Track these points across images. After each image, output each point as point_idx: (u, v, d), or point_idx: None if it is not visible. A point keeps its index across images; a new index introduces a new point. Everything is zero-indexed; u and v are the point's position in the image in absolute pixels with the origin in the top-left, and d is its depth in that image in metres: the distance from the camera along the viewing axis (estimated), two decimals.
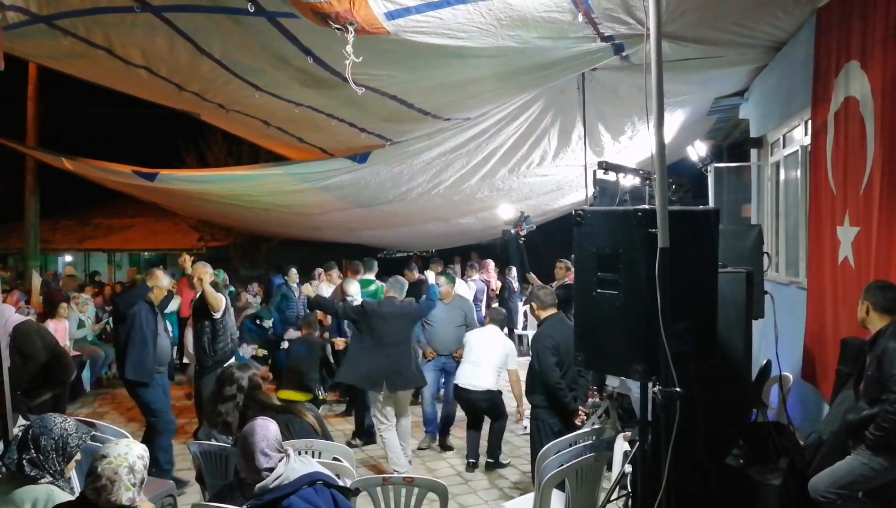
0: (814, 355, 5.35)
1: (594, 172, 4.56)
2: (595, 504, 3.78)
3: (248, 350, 7.99)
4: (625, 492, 3.73)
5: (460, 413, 6.97)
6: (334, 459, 3.71)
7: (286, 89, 6.15)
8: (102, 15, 4.92)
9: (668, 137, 7.77)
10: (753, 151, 8.04)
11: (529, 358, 5.39)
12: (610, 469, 4.08)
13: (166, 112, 8.30)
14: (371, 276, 7.93)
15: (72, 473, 2.98)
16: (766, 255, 5.07)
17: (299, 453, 3.16)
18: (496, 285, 11.88)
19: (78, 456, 2.88)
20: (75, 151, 9.12)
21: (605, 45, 5.05)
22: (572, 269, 8.28)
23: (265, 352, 9.10)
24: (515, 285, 11.16)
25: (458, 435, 6.80)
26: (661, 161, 2.80)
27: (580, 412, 4.94)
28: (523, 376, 5.52)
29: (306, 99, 6.36)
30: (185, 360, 6.50)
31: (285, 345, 8.44)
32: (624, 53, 5.31)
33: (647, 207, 2.93)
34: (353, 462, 3.86)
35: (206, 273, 6.09)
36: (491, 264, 12.23)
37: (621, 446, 3.96)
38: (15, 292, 9.70)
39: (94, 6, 4.78)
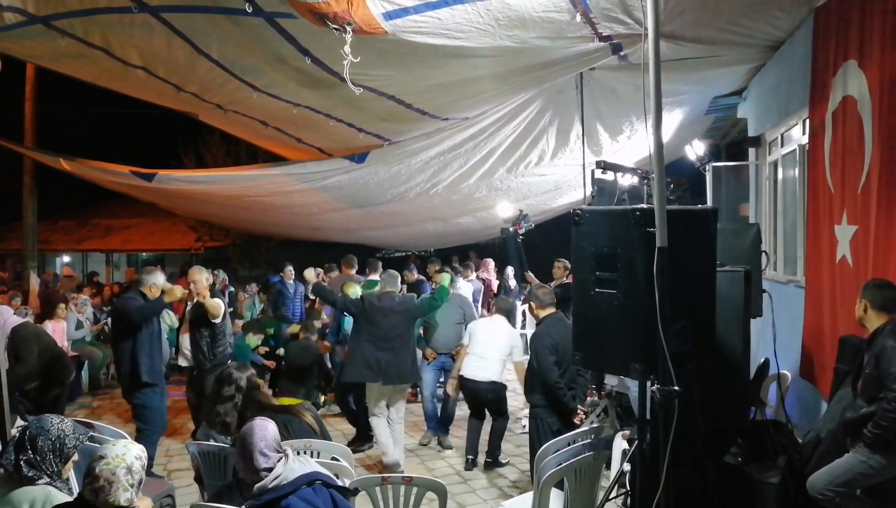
0: (812, 353, 5.36)
1: (592, 172, 4.56)
2: (594, 503, 3.78)
3: (253, 341, 7.98)
4: (623, 491, 3.74)
5: (460, 413, 7.00)
6: (333, 459, 3.71)
7: (284, 90, 6.15)
8: (100, 15, 4.92)
9: (667, 136, 7.77)
10: (751, 151, 8.05)
11: (528, 357, 5.39)
12: (609, 467, 4.09)
13: (164, 112, 8.29)
14: (375, 277, 7.92)
15: (70, 474, 2.98)
16: (764, 254, 5.07)
17: (298, 453, 3.16)
18: (496, 284, 11.89)
19: (75, 457, 2.87)
20: (73, 152, 9.10)
21: (603, 45, 5.06)
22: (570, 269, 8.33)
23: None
24: (512, 284, 11.16)
25: (457, 435, 6.81)
26: (660, 160, 2.80)
27: (579, 411, 4.95)
28: None
29: (304, 99, 6.36)
30: (182, 362, 6.45)
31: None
32: (622, 53, 5.32)
33: (645, 206, 2.93)
34: (351, 462, 3.86)
35: (200, 279, 6.08)
36: (491, 262, 12.22)
37: (620, 444, 3.97)
38: (11, 292, 9.70)
39: (92, 7, 4.78)
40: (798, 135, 6.32)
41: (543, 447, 3.94)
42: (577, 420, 4.89)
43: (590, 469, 3.74)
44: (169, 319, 8.03)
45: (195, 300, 6.00)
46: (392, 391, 5.98)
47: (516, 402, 6.47)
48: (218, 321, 6.01)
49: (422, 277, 9.87)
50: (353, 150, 7.89)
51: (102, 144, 18.98)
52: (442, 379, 7.03)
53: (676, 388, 2.72)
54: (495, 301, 6.57)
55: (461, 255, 14.74)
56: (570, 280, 7.92)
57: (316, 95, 6.20)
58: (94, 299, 10.93)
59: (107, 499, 2.46)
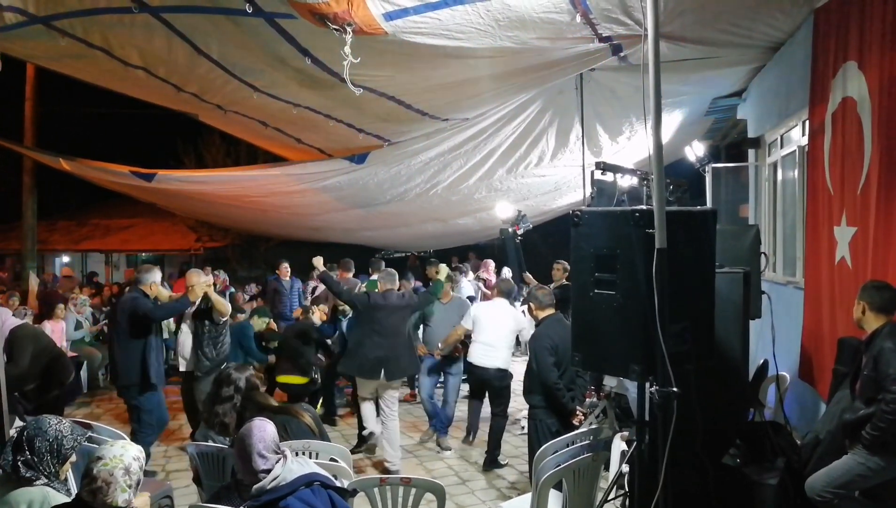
0: (811, 354, 5.36)
1: (592, 173, 4.57)
2: (592, 504, 3.78)
3: (259, 323, 7.97)
4: (622, 492, 3.73)
5: (459, 414, 7.00)
6: (331, 460, 3.71)
7: (284, 90, 6.15)
8: (100, 16, 4.91)
9: (666, 137, 7.78)
10: (751, 152, 8.05)
11: (527, 358, 5.40)
12: (607, 468, 4.09)
13: (164, 113, 8.29)
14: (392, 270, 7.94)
15: (68, 474, 2.97)
16: (763, 255, 5.07)
17: (296, 454, 3.15)
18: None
19: (73, 458, 2.87)
20: (73, 152, 9.10)
21: (603, 46, 5.06)
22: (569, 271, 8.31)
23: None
24: None
25: (455, 436, 6.82)
26: (659, 162, 2.80)
27: (578, 413, 4.95)
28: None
29: (304, 100, 6.36)
30: (181, 365, 6.44)
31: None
32: (622, 54, 5.32)
33: (644, 207, 2.93)
34: (350, 463, 3.85)
35: (198, 282, 6.10)
36: (491, 263, 12.21)
37: (619, 446, 3.97)
38: (9, 292, 9.69)
39: (93, 7, 4.77)
40: (798, 136, 6.32)
41: (542, 448, 3.94)
42: (575, 422, 4.89)
43: (588, 470, 3.74)
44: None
45: (196, 300, 6.04)
46: (387, 384, 6.03)
47: (515, 403, 6.48)
48: (224, 319, 6.06)
49: (419, 284, 9.87)
50: (352, 150, 7.89)
51: (102, 144, 18.98)
52: (440, 380, 7.04)
53: (675, 389, 2.72)
54: (495, 283, 6.60)
55: (461, 255, 14.74)
56: (569, 282, 7.95)
57: (316, 96, 6.20)
58: (94, 299, 10.92)
59: (105, 500, 2.45)
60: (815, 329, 5.31)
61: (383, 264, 8.24)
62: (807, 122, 5.69)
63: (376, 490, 3.41)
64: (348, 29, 4.15)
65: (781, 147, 6.95)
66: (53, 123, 15.98)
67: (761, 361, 5.32)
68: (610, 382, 5.38)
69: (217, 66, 5.68)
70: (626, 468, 3.41)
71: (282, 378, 6.91)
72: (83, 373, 9.03)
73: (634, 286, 2.83)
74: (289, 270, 9.87)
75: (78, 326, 9.21)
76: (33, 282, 11.22)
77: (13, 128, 12.68)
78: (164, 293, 6.18)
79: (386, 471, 5.83)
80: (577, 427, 4.64)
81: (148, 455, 5.58)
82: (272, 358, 7.59)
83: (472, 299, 8.18)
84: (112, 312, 5.80)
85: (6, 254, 18.12)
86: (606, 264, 2.97)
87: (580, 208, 3.18)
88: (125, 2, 4.58)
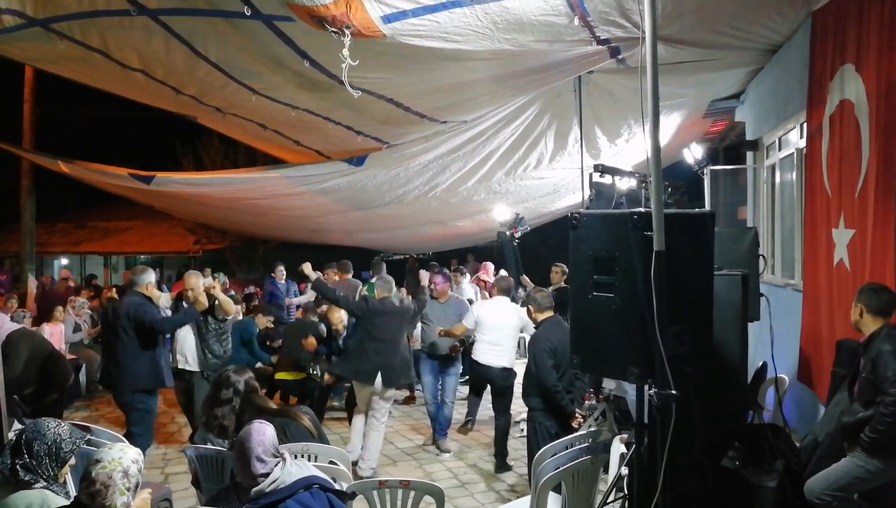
0: (809, 357, 5.36)
1: (590, 175, 4.57)
2: (591, 507, 3.78)
3: (263, 321, 7.95)
4: (621, 495, 3.72)
5: (457, 416, 7.00)
6: (330, 462, 3.71)
7: (283, 92, 6.15)
8: (99, 18, 4.91)
9: (664, 139, 7.79)
10: (749, 154, 8.06)
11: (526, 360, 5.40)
12: (606, 471, 4.08)
13: (163, 115, 8.30)
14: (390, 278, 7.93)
15: (67, 477, 2.96)
16: (761, 257, 5.07)
17: (295, 456, 3.15)
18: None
19: (72, 461, 2.86)
20: (71, 154, 9.10)
21: (601, 49, 5.07)
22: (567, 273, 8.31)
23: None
24: None
25: (455, 438, 6.82)
26: (657, 164, 2.81)
27: (577, 415, 4.95)
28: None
29: (303, 102, 6.37)
30: (183, 365, 6.42)
31: None
32: (620, 56, 5.33)
33: (642, 209, 2.94)
34: (348, 466, 3.85)
35: (197, 284, 6.09)
36: (490, 266, 12.20)
37: (618, 448, 3.96)
38: (6, 294, 9.69)
39: (91, 10, 4.78)
40: (796, 138, 6.33)
41: (541, 450, 3.94)
42: (575, 424, 4.88)
43: (587, 472, 3.74)
44: None
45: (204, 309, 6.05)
46: (382, 391, 6.02)
47: (514, 405, 6.47)
48: (229, 317, 6.07)
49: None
50: (351, 153, 7.90)
51: (101, 147, 19.03)
52: (440, 382, 7.04)
53: (674, 392, 2.72)
54: (495, 282, 6.62)
55: (460, 257, 14.75)
56: (567, 285, 7.95)
57: (314, 98, 6.20)
58: (93, 301, 10.90)
59: (103, 503, 2.45)
60: (813, 332, 5.31)
61: (384, 265, 8.24)
62: (805, 124, 5.70)
63: (375, 493, 3.41)
64: (347, 31, 4.16)
65: (779, 149, 6.96)
66: (52, 126, 15.98)
67: (760, 363, 5.32)
68: (609, 384, 5.38)
69: (216, 68, 5.68)
70: (625, 470, 3.40)
71: (279, 375, 6.91)
72: (82, 376, 9.01)
73: (633, 289, 2.83)
74: (284, 273, 9.82)
75: (76, 328, 9.20)
76: (32, 284, 11.21)
77: (12, 130, 12.70)
78: (158, 295, 6.18)
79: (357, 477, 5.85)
80: (577, 430, 4.64)
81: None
82: (275, 358, 7.59)
83: (471, 301, 8.17)
84: (112, 316, 5.65)
85: (4, 256, 18.11)
86: (605, 267, 2.97)
87: (579, 211, 3.18)
88: (123, 4, 4.58)
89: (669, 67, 5.67)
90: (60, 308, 8.79)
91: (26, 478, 2.73)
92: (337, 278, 8.92)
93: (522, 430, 6.36)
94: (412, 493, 3.43)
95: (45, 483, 2.75)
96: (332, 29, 4.16)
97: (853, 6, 4.54)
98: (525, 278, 8.25)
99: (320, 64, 5.27)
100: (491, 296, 6.63)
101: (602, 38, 4.84)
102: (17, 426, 4.00)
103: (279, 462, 2.81)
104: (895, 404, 3.22)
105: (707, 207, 7.72)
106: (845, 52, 4.65)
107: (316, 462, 3.64)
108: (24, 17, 4.80)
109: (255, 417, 3.35)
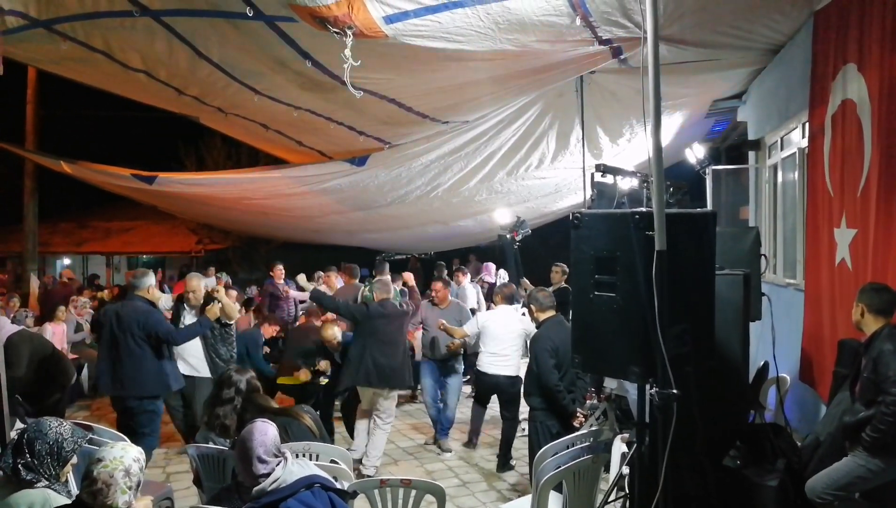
0: (811, 356, 5.36)
1: (592, 175, 4.57)
2: (592, 506, 3.78)
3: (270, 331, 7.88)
4: (622, 494, 3.73)
5: (459, 416, 7.00)
6: (332, 461, 3.71)
7: (285, 93, 6.16)
8: (102, 19, 4.93)
9: (666, 139, 7.79)
10: (751, 154, 8.06)
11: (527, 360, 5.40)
12: (608, 470, 4.09)
13: (165, 116, 8.30)
14: (383, 278, 7.92)
15: (69, 476, 2.97)
16: (763, 257, 5.07)
17: (297, 455, 3.16)
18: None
19: (74, 460, 2.87)
20: (74, 155, 9.13)
21: (603, 49, 5.07)
22: (568, 273, 8.30)
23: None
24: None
25: (455, 438, 6.82)
26: (659, 164, 2.81)
27: (578, 414, 4.95)
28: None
29: (305, 102, 6.38)
30: (184, 369, 6.40)
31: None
32: (622, 57, 5.33)
33: (644, 209, 2.94)
34: (350, 465, 3.86)
35: (199, 286, 6.08)
36: (492, 266, 12.20)
37: (619, 447, 3.97)
38: (8, 294, 9.70)
39: (94, 10, 4.79)
40: (798, 138, 6.33)
41: (542, 449, 3.94)
42: (576, 423, 4.89)
43: (589, 471, 3.74)
44: None
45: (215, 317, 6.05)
46: (387, 393, 6.06)
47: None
48: (232, 321, 6.07)
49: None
50: (353, 153, 7.91)
51: (103, 147, 19.04)
52: (440, 385, 7.04)
53: (675, 391, 2.72)
54: (497, 290, 6.58)
55: (462, 257, 14.75)
56: (567, 285, 7.95)
57: (316, 99, 6.21)
58: (95, 301, 10.92)
59: (105, 502, 2.46)
60: (815, 331, 5.31)
61: (387, 265, 8.22)
62: (807, 124, 5.69)
63: (376, 491, 3.42)
64: (349, 32, 4.16)
65: (781, 149, 6.95)
66: (55, 126, 16.01)
67: (761, 363, 5.32)
68: (610, 384, 5.38)
69: (218, 69, 5.69)
70: (626, 469, 3.41)
71: (281, 380, 6.90)
72: (84, 375, 9.03)
73: (634, 288, 2.84)
74: (283, 272, 9.76)
75: (78, 328, 9.21)
76: (34, 284, 11.24)
77: (15, 131, 12.72)
78: (159, 296, 6.19)
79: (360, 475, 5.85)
80: (578, 429, 4.64)
81: (148, 458, 5.58)
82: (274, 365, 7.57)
83: (473, 311, 8.17)
84: (116, 321, 5.50)
85: (7, 256, 18.14)
86: (606, 267, 2.97)
87: (580, 211, 3.18)
88: (126, 5, 4.60)
89: (671, 66, 5.67)
90: (63, 308, 8.80)
91: (28, 477, 2.73)
92: (340, 280, 8.93)
93: (524, 429, 6.36)
94: (413, 492, 3.43)
95: (47, 483, 2.76)
96: (334, 30, 4.17)
97: (855, 6, 4.54)
98: (525, 282, 8.24)
99: (322, 64, 5.28)
100: (494, 303, 6.59)
101: (604, 38, 4.85)
102: (18, 425, 4.01)
103: (281, 462, 2.82)
104: None
105: (709, 206, 7.71)
106: (847, 52, 4.64)
107: (317, 461, 3.64)
108: (27, 18, 4.81)
109: (257, 416, 3.35)
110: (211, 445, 3.83)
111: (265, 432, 2.85)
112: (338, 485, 3.02)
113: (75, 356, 8.63)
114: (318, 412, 7.11)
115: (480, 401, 6.48)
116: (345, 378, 6.14)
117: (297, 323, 8.34)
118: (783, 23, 5.54)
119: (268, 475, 2.77)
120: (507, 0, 4.19)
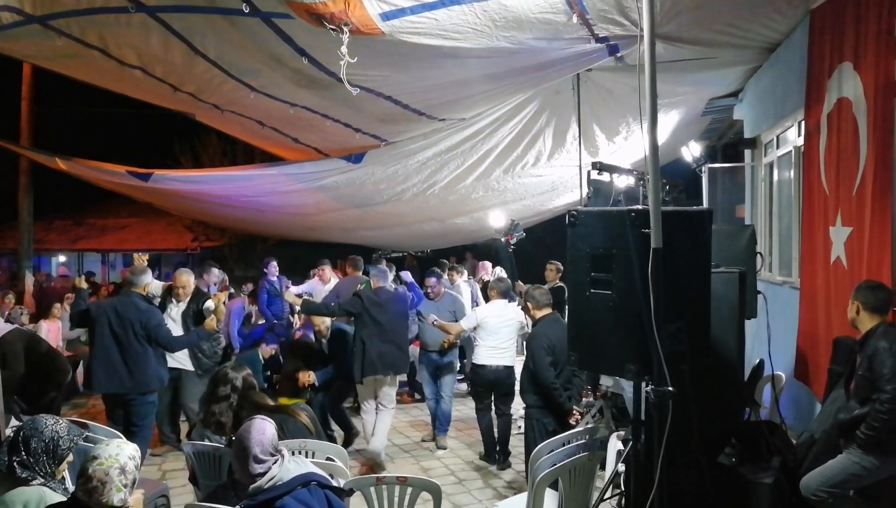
0: (806, 354, 5.37)
1: (589, 173, 4.58)
2: (588, 503, 3.79)
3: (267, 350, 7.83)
4: (618, 491, 3.74)
5: (457, 414, 7.01)
6: (328, 459, 3.71)
7: (281, 90, 6.14)
8: (97, 15, 4.91)
9: (663, 137, 7.80)
10: (747, 152, 8.08)
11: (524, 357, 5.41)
12: (603, 468, 4.10)
13: (161, 112, 8.28)
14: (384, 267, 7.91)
15: (65, 474, 2.97)
16: (759, 255, 5.09)
17: (293, 453, 3.16)
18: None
19: (70, 458, 2.87)
20: (70, 152, 9.09)
21: (599, 46, 5.07)
22: (562, 271, 8.31)
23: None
24: None
25: (451, 435, 6.82)
26: (655, 162, 2.81)
27: (574, 412, 4.96)
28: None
29: (301, 99, 6.36)
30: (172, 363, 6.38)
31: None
32: (619, 54, 5.33)
33: (640, 207, 2.94)
34: (346, 462, 3.86)
35: (189, 282, 6.07)
36: (488, 265, 12.19)
37: (615, 445, 3.98)
38: (2, 291, 9.66)
39: (89, 6, 4.77)
40: (793, 137, 6.34)
41: (538, 447, 3.95)
42: (572, 421, 4.90)
43: (584, 469, 3.75)
44: None
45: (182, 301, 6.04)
46: (391, 380, 6.12)
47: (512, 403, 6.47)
48: (221, 325, 6.06)
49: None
50: (349, 150, 7.89)
51: (99, 144, 18.97)
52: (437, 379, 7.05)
53: (671, 389, 2.73)
54: (492, 285, 6.56)
55: (459, 256, 14.75)
56: (562, 283, 7.96)
57: (313, 96, 6.20)
58: (90, 298, 10.87)
59: (100, 500, 2.45)
60: (810, 329, 5.32)
61: (384, 262, 8.22)
62: (802, 122, 5.71)
63: (373, 489, 3.42)
64: (345, 29, 4.15)
65: (777, 148, 6.97)
66: (50, 123, 15.93)
67: (757, 361, 5.34)
68: (606, 381, 5.40)
69: (214, 65, 5.68)
70: (622, 467, 3.41)
71: (280, 400, 6.84)
72: (79, 373, 9.00)
73: (631, 286, 2.84)
74: (276, 268, 9.72)
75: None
76: (29, 282, 11.20)
77: (10, 127, 12.66)
78: (158, 284, 6.19)
79: (370, 469, 5.85)
80: (574, 427, 4.65)
81: (144, 454, 5.58)
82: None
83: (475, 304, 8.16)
84: (116, 319, 5.45)
85: (2, 253, 18.08)
86: (603, 264, 2.98)
87: (577, 208, 3.19)
88: (122, 1, 4.57)
89: (668, 65, 5.67)
90: (58, 305, 8.78)
91: (24, 475, 2.73)
92: (334, 275, 8.91)
93: (520, 427, 6.37)
94: (409, 489, 3.44)
95: (43, 480, 2.75)
96: (331, 26, 4.16)
97: (851, 4, 4.54)
98: (520, 285, 8.25)
99: (319, 61, 5.26)
100: (489, 299, 6.58)
101: (600, 35, 4.84)
102: (14, 422, 4.00)
103: (277, 460, 2.82)
104: (891, 401, 3.23)
105: (705, 204, 7.73)
106: (843, 50, 4.65)
107: (314, 458, 3.64)
108: (21, 14, 4.79)
109: (253, 413, 3.35)
110: (207, 442, 3.83)
111: (263, 430, 2.85)
112: (334, 483, 3.02)
113: (70, 354, 8.61)
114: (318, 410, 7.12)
115: (484, 401, 6.22)
116: (355, 373, 6.15)
117: (294, 333, 8.24)
118: (779, 21, 5.54)
119: (264, 473, 2.77)
120: None
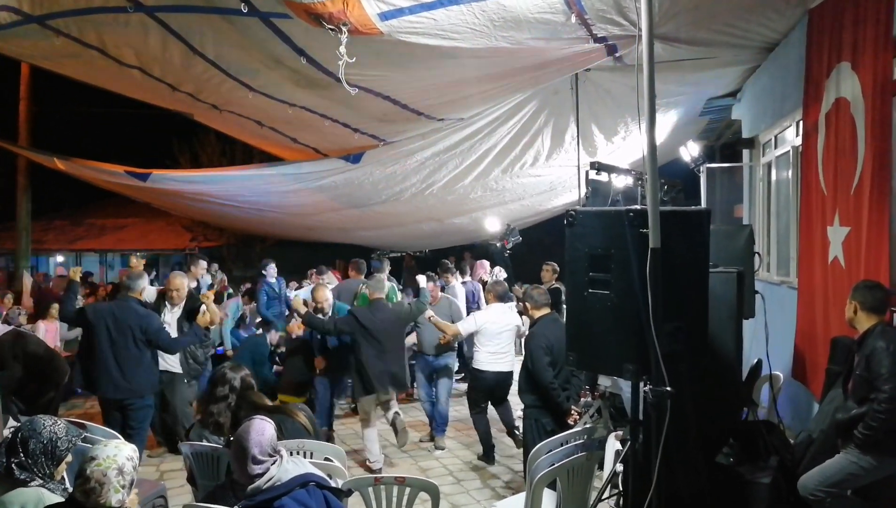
0: (804, 354, 5.38)
1: (587, 173, 4.58)
2: (586, 503, 3.79)
3: (275, 337, 7.77)
4: (616, 491, 3.75)
5: (455, 414, 7.01)
6: (326, 459, 3.71)
7: (280, 90, 6.14)
8: (95, 15, 4.91)
9: (661, 137, 7.80)
10: (745, 152, 8.08)
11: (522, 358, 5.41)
12: (602, 467, 4.10)
13: (159, 112, 8.28)
14: (381, 276, 7.88)
15: (63, 475, 2.96)
16: (757, 255, 5.09)
17: (291, 453, 3.16)
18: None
19: (69, 458, 2.86)
20: (68, 152, 9.09)
21: (598, 46, 5.07)
22: (559, 272, 8.30)
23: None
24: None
25: (450, 435, 6.82)
26: (653, 162, 2.81)
27: (573, 412, 4.96)
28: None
29: (300, 99, 6.36)
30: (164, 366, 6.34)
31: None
32: (617, 54, 5.34)
33: (638, 207, 2.94)
34: (344, 463, 3.86)
35: (183, 285, 6.07)
36: (486, 265, 12.17)
37: (613, 445, 3.98)
38: (0, 291, 9.65)
39: (87, 6, 4.77)
40: (791, 136, 6.35)
41: (536, 447, 3.95)
42: (570, 421, 4.90)
43: (583, 469, 3.75)
44: None
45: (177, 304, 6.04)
46: (390, 395, 6.11)
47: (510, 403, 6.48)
48: (212, 327, 6.05)
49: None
50: (348, 150, 7.89)
51: (97, 144, 18.93)
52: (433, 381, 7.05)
53: (669, 389, 2.73)
54: (489, 288, 6.54)
55: (457, 256, 14.75)
56: (558, 284, 7.95)
57: (311, 95, 6.20)
58: (88, 299, 10.87)
59: (98, 501, 2.45)
60: (808, 329, 5.33)
61: (387, 262, 8.20)
62: (801, 122, 5.71)
63: (371, 489, 3.42)
64: (344, 29, 4.15)
65: (775, 147, 6.97)
66: (48, 123, 15.95)
67: (755, 360, 5.34)
68: (604, 381, 5.39)
69: (212, 65, 5.67)
70: (620, 467, 3.42)
71: (282, 398, 6.85)
72: (77, 373, 8.98)
73: (629, 286, 2.84)
74: (275, 269, 9.71)
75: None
76: (27, 282, 11.19)
77: (8, 127, 12.65)
78: (152, 290, 6.18)
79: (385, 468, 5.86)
80: (572, 427, 4.65)
81: (141, 453, 5.57)
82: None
83: (478, 307, 8.11)
84: (113, 323, 5.36)
85: (0, 254, 18.05)
86: (601, 264, 2.98)
87: (575, 208, 3.19)
88: (120, 1, 4.58)
89: (666, 64, 5.68)
90: (56, 305, 8.74)
91: (22, 476, 2.72)
92: (334, 278, 8.91)
93: (518, 427, 6.37)
94: (407, 490, 3.43)
95: (41, 482, 2.74)
96: (329, 26, 4.16)
97: (849, 4, 4.55)
98: (517, 289, 8.24)
99: (317, 61, 5.26)
100: (486, 302, 6.56)
101: (599, 35, 4.85)
102: (12, 423, 3.99)
103: (276, 460, 2.82)
104: (889, 401, 3.24)
105: (703, 204, 7.72)
106: (841, 50, 4.66)
107: (312, 458, 3.64)
108: (20, 13, 4.79)
109: (251, 413, 3.35)
110: (205, 443, 3.82)
111: (262, 431, 2.84)
112: (332, 483, 3.02)
113: (68, 354, 8.59)
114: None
115: (477, 404, 6.19)
116: (355, 392, 6.17)
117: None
118: (778, 21, 5.55)
119: (263, 474, 2.76)
120: None
